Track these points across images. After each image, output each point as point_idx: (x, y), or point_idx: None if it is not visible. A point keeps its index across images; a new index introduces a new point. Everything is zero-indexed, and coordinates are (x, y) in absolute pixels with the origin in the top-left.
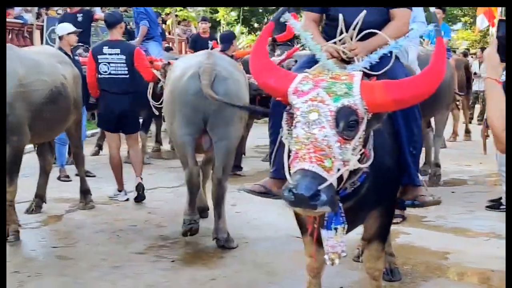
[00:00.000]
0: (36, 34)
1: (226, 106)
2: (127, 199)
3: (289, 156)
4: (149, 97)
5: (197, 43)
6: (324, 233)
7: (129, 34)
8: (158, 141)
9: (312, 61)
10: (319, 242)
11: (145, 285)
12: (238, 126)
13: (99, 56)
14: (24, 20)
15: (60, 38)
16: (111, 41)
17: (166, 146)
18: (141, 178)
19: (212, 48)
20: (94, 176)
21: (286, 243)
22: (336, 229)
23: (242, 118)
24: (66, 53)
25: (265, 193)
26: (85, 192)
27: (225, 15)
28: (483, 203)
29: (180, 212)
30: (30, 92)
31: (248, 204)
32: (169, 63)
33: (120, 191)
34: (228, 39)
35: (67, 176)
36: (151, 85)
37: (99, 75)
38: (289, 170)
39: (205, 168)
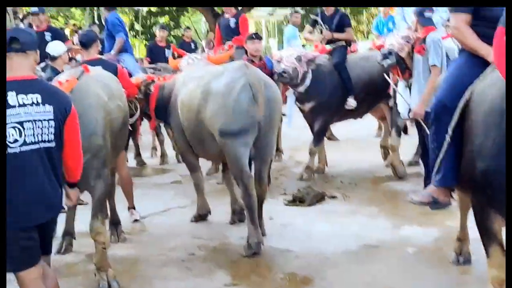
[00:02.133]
0: None
1: (274, 114)
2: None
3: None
4: None
5: (153, 52)
6: None
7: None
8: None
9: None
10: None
11: None
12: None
13: None
14: None
15: (54, 58)
16: (91, 60)
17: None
18: (134, 208)
19: (173, 55)
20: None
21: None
22: None
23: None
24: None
25: (434, 203)
26: (115, 223)
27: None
28: None
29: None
30: (112, 120)
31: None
32: (153, 81)
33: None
34: None
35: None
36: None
37: None
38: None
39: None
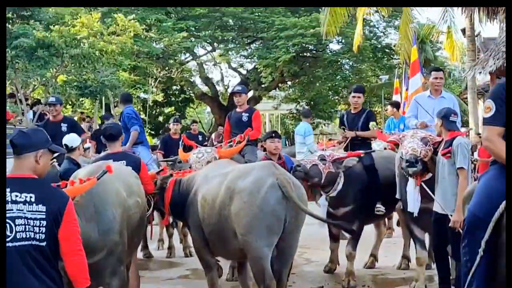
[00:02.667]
0: None
1: (301, 215)
2: None
3: None
4: None
5: (167, 144)
6: None
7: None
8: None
9: None
10: None
11: None
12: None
13: None
14: None
15: (71, 150)
16: (115, 153)
17: None
18: None
19: (184, 145)
20: None
21: None
22: None
23: None
24: (77, 164)
25: None
26: None
27: None
28: None
29: None
30: (130, 216)
31: None
32: (171, 175)
33: None
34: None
35: None
36: None
37: None
38: None
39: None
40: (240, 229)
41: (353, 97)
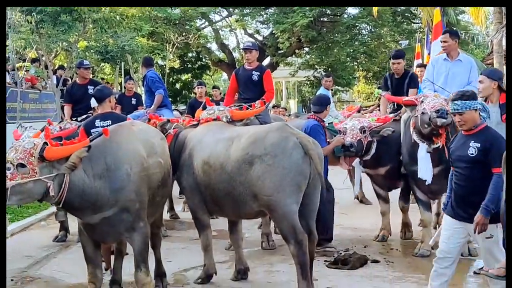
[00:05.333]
0: None
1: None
2: None
3: None
4: None
5: (194, 108)
6: None
7: None
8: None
9: None
10: None
11: None
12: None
13: (92, 130)
14: None
15: (95, 109)
16: (102, 114)
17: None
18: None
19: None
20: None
21: None
22: None
23: None
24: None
25: None
26: (161, 275)
27: None
28: None
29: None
30: (150, 175)
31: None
32: (168, 121)
33: None
34: (324, 103)
35: None
36: None
37: None
38: None
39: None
40: (265, 191)
41: (393, 63)
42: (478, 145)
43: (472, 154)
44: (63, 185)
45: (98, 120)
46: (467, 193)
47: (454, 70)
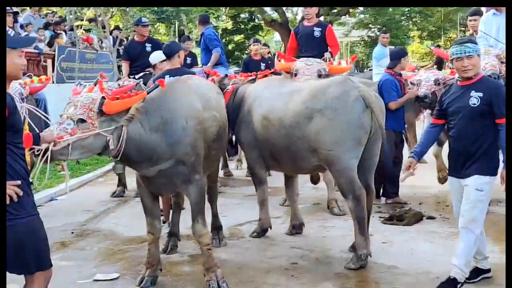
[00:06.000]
0: (48, 63)
1: (382, 124)
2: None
3: None
4: None
5: (249, 66)
6: None
7: None
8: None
9: None
10: None
11: None
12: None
13: None
14: (40, 49)
15: (154, 66)
16: (171, 70)
17: None
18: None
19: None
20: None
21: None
22: None
23: None
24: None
25: None
26: (217, 228)
27: None
28: None
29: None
30: (206, 129)
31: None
32: (226, 76)
33: None
34: (395, 57)
35: None
36: None
37: None
38: None
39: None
40: (325, 146)
41: (470, 20)
42: (481, 94)
43: (475, 104)
44: (121, 138)
45: (168, 76)
46: (467, 146)
47: (503, 23)
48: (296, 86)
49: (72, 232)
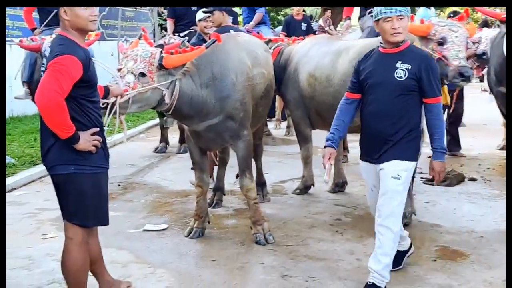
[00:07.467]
0: None
1: None
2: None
3: None
4: None
5: (289, 25)
6: None
7: None
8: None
9: None
10: None
11: None
12: None
13: None
14: None
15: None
16: (223, 26)
17: None
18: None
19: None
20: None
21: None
22: None
23: None
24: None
25: None
26: (262, 184)
27: None
28: None
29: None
30: (254, 85)
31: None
32: (270, 40)
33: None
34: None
35: None
36: None
37: None
38: None
39: None
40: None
41: None
42: (408, 66)
43: (401, 77)
44: (174, 93)
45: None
46: (386, 128)
47: None
48: (344, 45)
49: (119, 185)
